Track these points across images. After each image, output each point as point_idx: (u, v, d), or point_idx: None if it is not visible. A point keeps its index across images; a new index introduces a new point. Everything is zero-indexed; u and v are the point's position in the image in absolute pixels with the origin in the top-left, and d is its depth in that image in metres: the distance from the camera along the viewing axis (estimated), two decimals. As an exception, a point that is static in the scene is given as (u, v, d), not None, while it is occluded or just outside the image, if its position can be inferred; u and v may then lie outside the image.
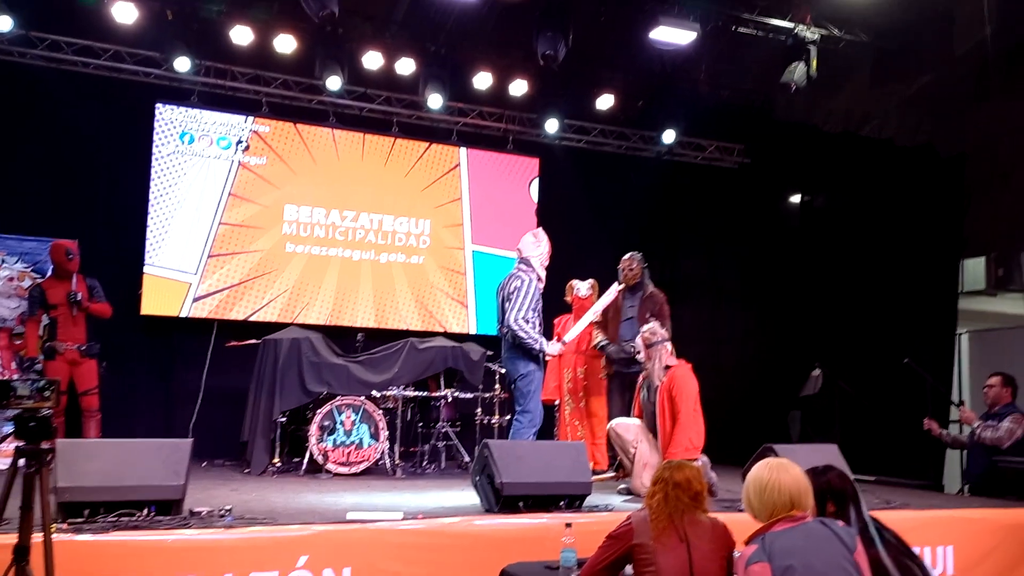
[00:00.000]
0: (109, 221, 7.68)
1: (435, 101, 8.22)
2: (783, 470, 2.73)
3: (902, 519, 4.78)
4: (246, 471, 6.61)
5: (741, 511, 2.89)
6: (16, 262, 7.09)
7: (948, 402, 7.87)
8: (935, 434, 6.78)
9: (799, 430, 9.16)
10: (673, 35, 7.54)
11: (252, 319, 7.98)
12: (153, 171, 7.78)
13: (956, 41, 8.08)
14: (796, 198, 10.58)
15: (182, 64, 7.45)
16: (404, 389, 6.90)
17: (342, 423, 6.58)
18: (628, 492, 5.69)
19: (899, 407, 8.09)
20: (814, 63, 7.68)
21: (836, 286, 9.72)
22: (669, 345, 5.87)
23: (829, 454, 5.36)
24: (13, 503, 2.36)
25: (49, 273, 6.73)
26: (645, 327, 5.96)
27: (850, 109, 9.91)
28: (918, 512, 5.15)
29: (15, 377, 6.22)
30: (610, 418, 6.44)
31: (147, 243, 7.70)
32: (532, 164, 9.24)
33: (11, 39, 7.18)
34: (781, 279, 10.19)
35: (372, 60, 8.01)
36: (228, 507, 4.26)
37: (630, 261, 6.73)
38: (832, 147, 9.78)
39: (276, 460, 6.64)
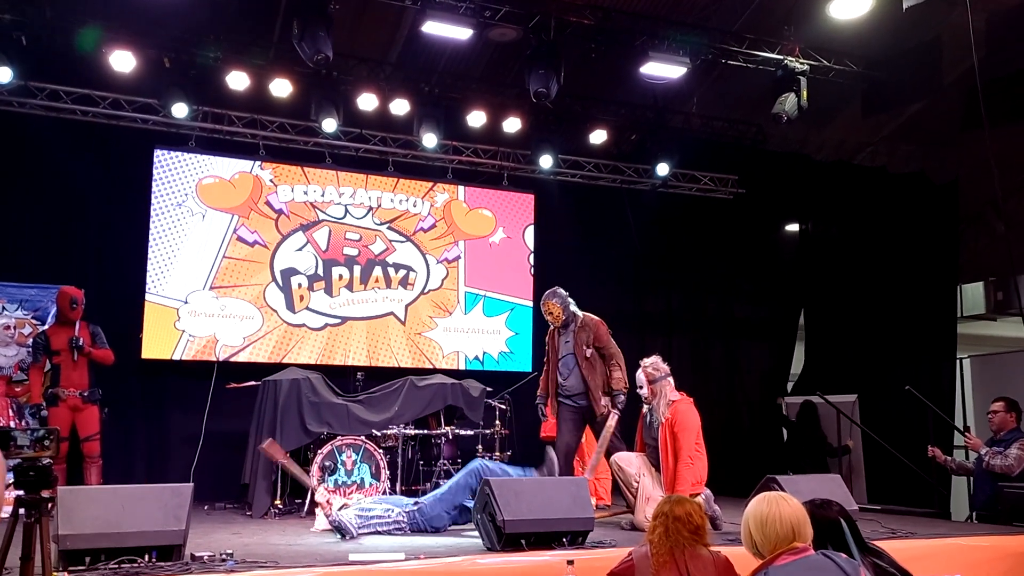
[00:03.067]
0: (109, 266, 7.72)
1: (430, 140, 8.31)
2: (782, 502, 2.73)
3: (908, 548, 4.75)
4: (248, 513, 6.57)
5: (746, 543, 2.88)
6: (16, 309, 7.12)
7: (952, 428, 7.84)
8: (939, 461, 6.75)
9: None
10: (663, 70, 7.66)
11: (251, 360, 7.97)
12: (152, 215, 7.84)
13: (945, 69, 8.18)
14: (792, 227, 10.65)
15: (180, 110, 7.54)
16: (404, 427, 6.89)
17: (343, 463, 6.56)
18: (632, 526, 5.65)
19: (903, 434, 8.06)
20: (804, 93, 7.78)
21: (834, 314, 9.75)
22: (671, 379, 5.86)
23: (832, 485, 5.34)
24: (14, 552, 2.36)
25: (52, 319, 6.76)
26: (647, 361, 5.92)
27: (843, 139, 10.02)
28: (924, 541, 5.11)
29: (14, 426, 6.22)
30: (561, 450, 6.37)
31: (147, 292, 7.72)
32: (528, 208, 9.29)
33: (11, 90, 7.28)
34: (779, 308, 10.23)
35: (367, 101, 8.11)
36: (229, 551, 4.23)
37: (545, 305, 6.35)
38: (826, 176, 9.87)
39: (278, 502, 6.60)
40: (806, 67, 7.81)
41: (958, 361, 9.30)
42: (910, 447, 7.67)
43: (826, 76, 8.09)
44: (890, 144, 10.02)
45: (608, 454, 6.09)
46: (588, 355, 6.19)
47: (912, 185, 9.61)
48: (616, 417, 6.10)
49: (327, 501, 5.57)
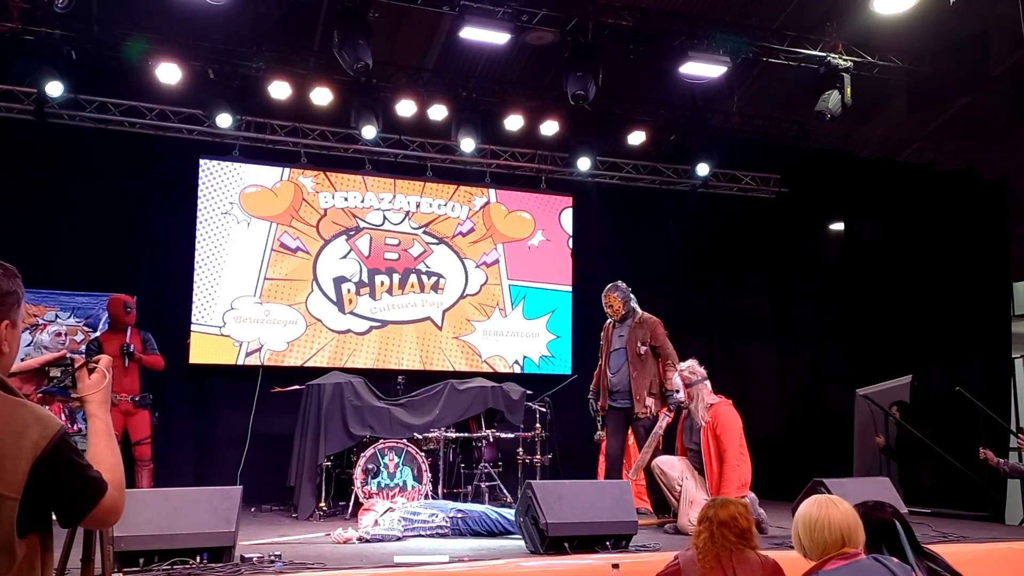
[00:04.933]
0: (157, 274, 7.88)
1: (468, 145, 8.36)
2: (832, 506, 2.69)
3: (960, 552, 4.65)
4: (293, 515, 6.67)
5: (792, 548, 2.85)
6: (69, 317, 7.31)
7: (1006, 430, 7.66)
8: (992, 463, 6.60)
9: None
10: (703, 69, 7.59)
11: (299, 364, 8.10)
12: (198, 224, 8.00)
13: (992, 63, 8.00)
14: (836, 226, 10.50)
15: (224, 120, 7.69)
16: (445, 431, 6.93)
17: (386, 466, 6.62)
18: (676, 531, 5.62)
19: (953, 436, 7.89)
20: (848, 90, 7.65)
21: (881, 314, 9.58)
22: (708, 383, 5.82)
23: (881, 487, 5.25)
24: (75, 553, 2.44)
25: (104, 326, 6.93)
26: (684, 365, 5.89)
27: (887, 135, 9.85)
28: (977, 545, 5.01)
29: (68, 431, 6.36)
30: (608, 455, 6.37)
31: (194, 297, 7.87)
32: (566, 211, 9.32)
33: (61, 103, 7.48)
34: (824, 308, 10.08)
35: (405, 108, 8.19)
36: (278, 553, 4.31)
37: (607, 298, 6.40)
38: (871, 174, 9.71)
39: (322, 504, 6.69)
40: (849, 63, 7.68)
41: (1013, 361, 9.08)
42: (961, 449, 7.50)
43: (870, 72, 7.96)
44: (936, 140, 9.83)
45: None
46: (641, 352, 6.17)
47: (960, 182, 9.42)
48: (668, 419, 6.07)
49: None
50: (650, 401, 6.09)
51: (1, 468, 1.62)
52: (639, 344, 6.19)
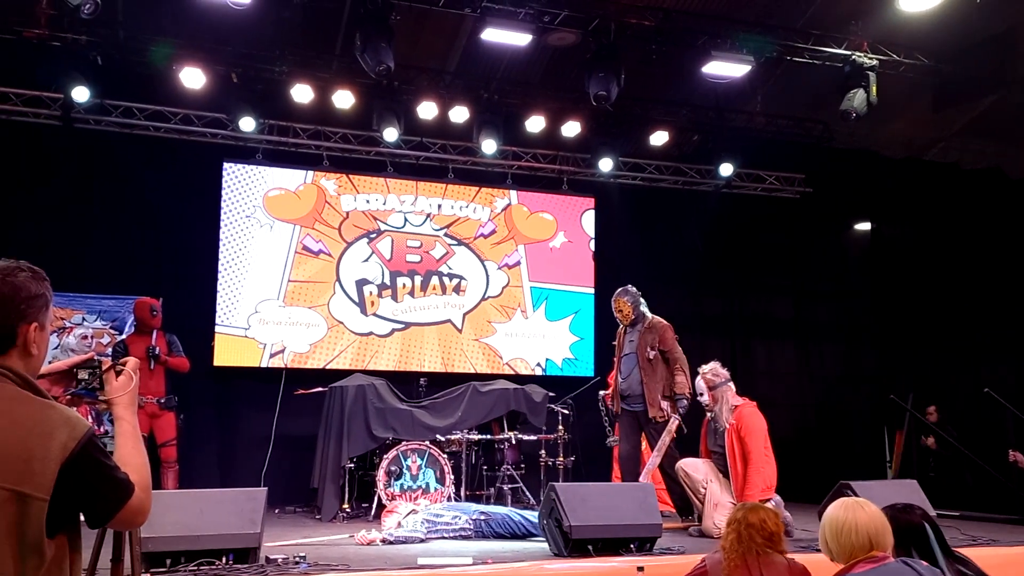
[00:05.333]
0: (182, 276, 7.95)
1: (489, 146, 8.36)
2: (859, 508, 2.66)
3: (990, 555, 4.58)
4: (317, 517, 6.70)
5: (819, 551, 2.82)
6: (95, 320, 7.39)
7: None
8: (1021, 466, 6.50)
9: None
10: (726, 69, 7.55)
11: (322, 366, 8.14)
12: (222, 227, 8.06)
13: (1017, 62, 7.90)
14: (862, 226, 10.40)
15: (247, 124, 7.75)
16: (468, 433, 6.93)
17: (408, 468, 6.63)
18: (700, 534, 5.57)
19: (981, 438, 7.78)
20: (874, 89, 7.56)
21: (908, 315, 9.47)
22: (732, 385, 5.77)
23: (909, 490, 5.19)
24: (105, 554, 2.47)
25: (130, 328, 7.00)
26: (706, 368, 5.85)
27: (912, 135, 9.73)
28: (1007, 549, 4.93)
29: (97, 434, 6.44)
30: (621, 458, 6.33)
31: (218, 300, 7.93)
32: (588, 212, 9.30)
33: (87, 108, 7.57)
34: (849, 309, 9.99)
35: (427, 110, 8.20)
36: (302, 554, 4.33)
37: (616, 303, 6.40)
38: (896, 173, 9.61)
39: (346, 506, 6.71)
40: (875, 62, 7.59)
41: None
42: (989, 451, 7.40)
43: (896, 71, 7.86)
44: (962, 139, 9.70)
45: (666, 462, 6.02)
46: (651, 357, 6.15)
47: (986, 181, 9.31)
48: (677, 422, 6.04)
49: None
50: (665, 404, 6.08)
51: (30, 469, 1.63)
52: (648, 349, 6.18)
